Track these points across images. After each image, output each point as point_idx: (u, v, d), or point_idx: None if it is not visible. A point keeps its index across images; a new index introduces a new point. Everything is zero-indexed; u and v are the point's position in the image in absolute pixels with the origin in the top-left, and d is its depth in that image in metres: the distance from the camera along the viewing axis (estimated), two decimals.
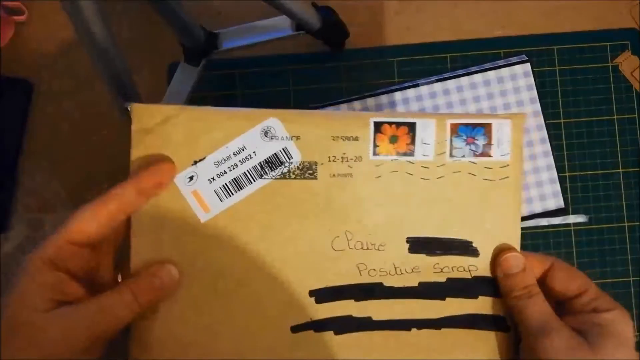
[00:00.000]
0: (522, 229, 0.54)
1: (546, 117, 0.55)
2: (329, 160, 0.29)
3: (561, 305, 0.30)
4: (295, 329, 0.29)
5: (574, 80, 0.56)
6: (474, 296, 0.30)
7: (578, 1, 0.57)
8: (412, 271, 0.30)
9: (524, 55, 0.56)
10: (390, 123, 0.29)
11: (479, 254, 0.30)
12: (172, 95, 0.53)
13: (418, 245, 0.30)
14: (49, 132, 0.57)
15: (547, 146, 0.55)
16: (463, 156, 0.29)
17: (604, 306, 0.29)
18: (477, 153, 0.29)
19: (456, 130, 0.29)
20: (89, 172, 0.56)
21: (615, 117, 0.56)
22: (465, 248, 0.30)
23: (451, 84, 0.55)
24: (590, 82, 0.56)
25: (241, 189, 0.29)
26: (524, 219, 0.55)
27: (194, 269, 0.29)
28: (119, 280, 0.30)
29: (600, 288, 0.30)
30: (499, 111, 0.55)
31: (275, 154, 0.29)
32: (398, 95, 0.55)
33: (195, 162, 0.29)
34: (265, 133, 0.29)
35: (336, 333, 0.30)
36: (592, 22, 0.57)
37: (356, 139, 0.29)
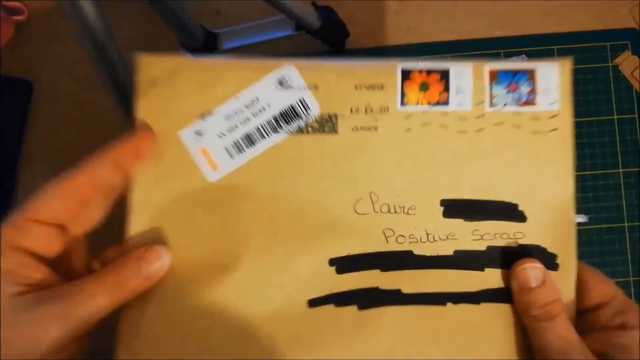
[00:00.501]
0: None
1: None
2: (351, 112, 0.26)
3: (583, 318, 0.26)
4: (313, 302, 0.26)
5: (573, 80, 0.56)
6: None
7: (578, 1, 0.57)
8: (447, 238, 0.26)
9: (524, 56, 0.56)
10: (420, 70, 0.26)
11: (526, 219, 0.26)
12: None
13: (454, 208, 0.26)
14: (49, 132, 0.57)
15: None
16: (505, 105, 0.26)
17: (633, 321, 0.24)
18: (521, 102, 0.26)
19: (496, 76, 0.26)
20: None
21: (615, 117, 0.56)
22: (510, 212, 0.26)
23: None
24: (590, 83, 0.56)
25: (254, 144, 0.26)
26: None
27: (200, 233, 0.26)
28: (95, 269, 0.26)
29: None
30: None
31: (291, 105, 0.26)
32: None
33: (204, 116, 0.26)
34: (280, 82, 0.26)
35: (360, 308, 0.26)
36: (592, 22, 0.57)
37: (381, 87, 0.26)
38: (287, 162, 0.26)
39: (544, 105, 0.26)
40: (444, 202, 0.26)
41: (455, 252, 0.26)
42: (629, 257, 0.55)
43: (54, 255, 0.24)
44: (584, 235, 0.55)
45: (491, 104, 0.26)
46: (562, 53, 0.56)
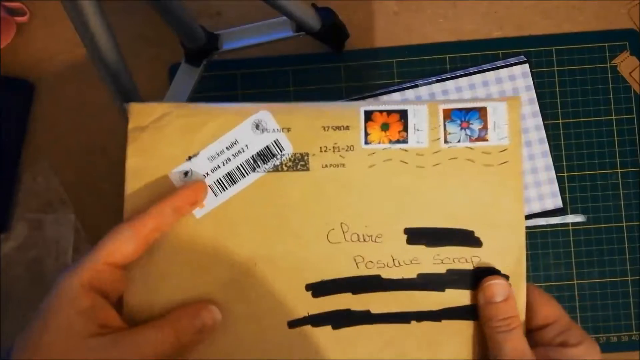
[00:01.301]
0: None
1: (545, 118, 0.56)
2: (321, 151, 0.29)
3: (530, 334, 0.29)
4: (292, 324, 0.29)
5: (572, 80, 0.56)
6: (475, 287, 0.29)
7: (577, 2, 0.57)
8: (411, 262, 0.29)
9: (522, 56, 0.56)
10: (381, 111, 0.29)
11: (482, 244, 0.29)
12: (172, 96, 0.53)
13: (417, 236, 0.29)
14: (50, 132, 0.57)
15: (546, 146, 0.55)
16: (459, 141, 0.29)
17: (573, 340, 0.28)
18: (473, 138, 0.29)
19: (449, 115, 0.29)
20: (89, 172, 0.56)
21: (613, 117, 0.56)
22: (467, 238, 0.29)
23: (450, 84, 0.55)
24: (589, 83, 0.56)
25: (235, 183, 0.29)
26: None
27: (186, 262, 0.29)
28: None
29: (571, 320, 0.29)
30: None
31: (267, 146, 0.29)
32: (397, 96, 0.55)
33: (190, 158, 0.29)
34: (257, 126, 0.29)
35: (334, 327, 0.29)
36: (591, 23, 0.57)
37: (347, 128, 0.29)
38: (264, 198, 0.29)
39: (494, 140, 0.29)
40: (407, 231, 0.29)
41: (419, 275, 0.29)
42: (628, 256, 0.55)
43: (118, 294, 0.27)
44: (582, 235, 0.55)
45: (446, 141, 0.29)
46: (560, 54, 0.56)
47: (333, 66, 0.56)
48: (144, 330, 0.26)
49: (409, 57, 0.57)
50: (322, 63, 0.57)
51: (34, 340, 0.25)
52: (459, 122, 0.29)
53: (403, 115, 0.29)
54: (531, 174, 0.55)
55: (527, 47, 0.57)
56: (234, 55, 0.54)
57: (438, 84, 0.55)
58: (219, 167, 0.29)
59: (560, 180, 0.55)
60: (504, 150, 0.29)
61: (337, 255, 0.29)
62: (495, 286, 0.28)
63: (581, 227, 0.55)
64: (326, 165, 0.29)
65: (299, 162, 0.29)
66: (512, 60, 0.56)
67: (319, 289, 0.29)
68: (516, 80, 0.56)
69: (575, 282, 0.55)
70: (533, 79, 0.56)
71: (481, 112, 0.29)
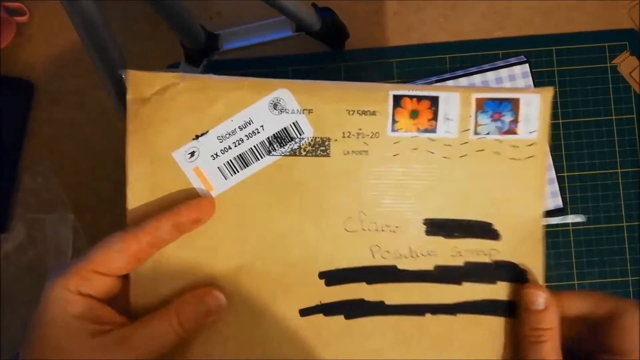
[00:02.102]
0: None
1: None
2: (343, 136, 0.27)
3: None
4: (304, 312, 0.28)
5: (572, 80, 0.56)
6: (492, 281, 0.28)
7: (577, 2, 0.57)
8: (429, 254, 0.28)
9: (522, 56, 0.56)
10: (411, 96, 0.27)
11: (500, 237, 0.28)
12: None
13: (435, 227, 0.28)
14: (49, 132, 0.57)
15: (546, 146, 0.55)
16: (488, 133, 0.27)
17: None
18: (503, 130, 0.27)
19: (482, 105, 0.27)
20: (89, 172, 0.56)
21: (613, 117, 0.56)
22: (485, 230, 0.28)
23: (450, 84, 0.55)
24: (589, 83, 0.56)
25: (247, 166, 0.27)
26: None
27: (194, 251, 0.27)
28: None
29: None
30: None
31: (285, 128, 0.27)
32: None
33: (197, 137, 0.26)
34: (275, 105, 0.27)
35: (347, 317, 0.28)
36: (591, 23, 0.57)
37: (373, 113, 0.27)
38: (279, 183, 0.27)
39: (523, 133, 0.28)
40: (427, 221, 0.28)
41: (436, 267, 0.28)
42: (628, 256, 0.55)
43: (114, 298, 0.26)
44: (582, 235, 0.55)
45: (475, 132, 0.28)
46: (560, 54, 0.56)
47: (333, 66, 0.56)
48: (147, 323, 0.25)
49: (409, 57, 0.57)
50: (322, 63, 0.57)
51: (38, 352, 0.24)
52: (490, 113, 0.27)
53: (434, 102, 0.27)
54: None
55: (527, 47, 0.57)
56: (234, 55, 0.54)
57: (438, 84, 0.55)
58: (230, 148, 0.27)
59: (560, 180, 0.55)
60: (531, 145, 0.28)
61: (352, 243, 0.28)
62: (532, 295, 0.27)
63: (581, 227, 0.55)
64: (348, 152, 0.27)
65: (319, 147, 0.27)
66: (512, 60, 0.56)
67: (332, 277, 0.28)
68: (516, 80, 0.56)
69: (575, 282, 0.55)
70: (533, 79, 0.56)
71: (514, 104, 0.27)
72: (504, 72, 0.56)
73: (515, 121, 0.27)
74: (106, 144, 0.57)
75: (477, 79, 0.56)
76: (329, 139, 0.27)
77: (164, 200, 0.27)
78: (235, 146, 0.27)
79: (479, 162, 0.28)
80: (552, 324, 0.27)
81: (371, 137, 0.27)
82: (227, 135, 0.27)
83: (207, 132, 0.27)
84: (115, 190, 0.56)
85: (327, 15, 0.52)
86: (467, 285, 0.28)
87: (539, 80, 0.56)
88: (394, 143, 0.27)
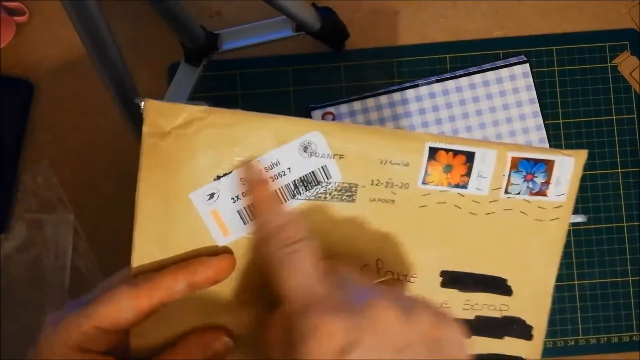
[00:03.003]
0: None
1: (545, 118, 0.55)
2: (372, 184, 0.26)
3: None
4: None
5: (573, 80, 0.56)
6: (500, 337, 0.28)
7: (577, 1, 0.57)
8: (442, 306, 0.28)
9: (523, 56, 0.56)
10: (447, 150, 0.26)
11: (512, 293, 0.28)
12: (172, 95, 0.53)
13: (452, 280, 0.28)
14: (49, 132, 0.57)
15: (546, 146, 0.55)
16: (519, 193, 0.27)
17: None
18: (533, 192, 0.27)
19: (516, 165, 0.26)
20: (89, 172, 0.56)
21: (614, 117, 0.56)
22: (500, 286, 0.28)
23: (450, 84, 0.55)
24: (589, 83, 0.56)
25: None
26: None
27: (200, 291, 0.25)
28: None
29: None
30: (498, 111, 0.55)
31: (313, 172, 0.25)
32: (397, 96, 0.55)
33: (219, 177, 0.24)
34: (305, 148, 0.25)
35: None
36: (591, 23, 0.57)
37: (406, 164, 0.26)
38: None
39: (552, 196, 0.27)
40: (444, 274, 0.27)
41: None
42: (628, 257, 0.55)
43: (116, 347, 0.24)
44: (582, 235, 0.55)
45: (506, 191, 0.27)
46: (561, 53, 0.56)
47: (333, 66, 0.56)
48: None
49: (409, 57, 0.57)
50: (322, 63, 0.56)
51: None
52: (524, 173, 0.27)
53: (469, 158, 0.26)
54: None
55: (528, 46, 0.56)
56: (234, 55, 0.54)
57: (438, 83, 0.55)
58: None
59: None
60: (558, 207, 0.27)
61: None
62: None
63: (581, 227, 0.55)
64: (374, 199, 0.26)
65: (346, 193, 0.26)
66: (513, 60, 0.56)
67: None
68: (517, 80, 0.56)
69: (575, 282, 0.55)
70: (533, 79, 0.56)
71: (548, 165, 0.27)
72: (504, 72, 0.56)
73: (546, 183, 0.27)
74: (106, 144, 0.56)
75: (477, 78, 0.55)
76: (356, 185, 0.26)
77: (176, 248, 0.25)
78: None
79: (505, 220, 0.27)
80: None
81: (400, 188, 0.26)
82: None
83: (230, 172, 0.24)
84: (115, 190, 0.56)
85: (327, 14, 0.51)
86: (476, 339, 0.28)
87: (540, 80, 0.56)
88: (423, 195, 0.26)
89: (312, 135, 0.25)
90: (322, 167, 0.25)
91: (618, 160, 0.56)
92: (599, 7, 0.57)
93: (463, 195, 0.27)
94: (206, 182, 0.24)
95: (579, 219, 0.55)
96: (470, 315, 0.28)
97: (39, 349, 0.23)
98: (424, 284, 0.27)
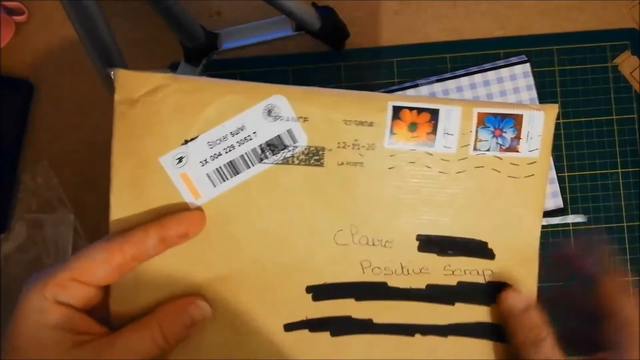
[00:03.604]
0: None
1: None
2: (338, 147, 0.26)
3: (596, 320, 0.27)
4: (289, 327, 0.27)
5: (573, 80, 0.56)
6: (486, 303, 0.27)
7: (577, 1, 0.57)
8: (421, 272, 0.27)
9: (523, 56, 0.56)
10: (410, 108, 0.26)
11: (494, 257, 0.27)
12: None
13: (429, 243, 0.27)
14: (49, 132, 0.57)
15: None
16: (488, 150, 0.26)
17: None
18: (503, 147, 0.26)
19: (483, 120, 0.26)
20: (89, 172, 0.56)
21: (614, 117, 0.56)
22: (480, 249, 0.27)
23: (451, 84, 0.55)
24: (590, 83, 0.56)
25: (237, 173, 0.26)
26: None
27: (177, 259, 0.26)
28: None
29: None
30: None
31: (278, 135, 0.26)
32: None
33: (186, 142, 0.25)
34: (269, 112, 0.25)
35: (333, 334, 0.27)
36: (592, 23, 0.57)
37: (371, 124, 0.26)
38: (270, 192, 0.26)
39: (524, 152, 0.27)
40: (420, 237, 0.27)
41: (428, 285, 0.27)
42: (628, 256, 0.55)
43: (93, 308, 0.25)
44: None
45: (475, 148, 0.26)
46: (561, 53, 0.56)
47: (333, 65, 0.56)
48: (128, 333, 0.24)
49: (409, 57, 0.57)
50: (322, 62, 0.56)
51: None
52: (492, 129, 0.26)
53: (434, 115, 0.26)
54: None
55: (528, 46, 0.56)
56: (234, 54, 0.54)
57: (439, 83, 0.55)
58: (220, 154, 0.25)
59: (560, 180, 0.55)
60: (532, 163, 0.27)
61: (342, 258, 0.27)
62: (512, 296, 0.27)
63: (582, 227, 0.55)
64: (342, 163, 0.26)
65: (313, 157, 0.26)
66: (513, 59, 0.56)
67: (320, 292, 0.27)
68: (517, 79, 0.55)
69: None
70: (534, 79, 0.56)
71: (516, 120, 0.26)
72: (504, 72, 0.56)
73: (517, 138, 0.26)
74: (106, 144, 0.56)
75: (477, 78, 0.55)
76: (323, 149, 0.26)
77: (149, 208, 0.26)
78: (226, 152, 0.26)
79: (477, 179, 0.27)
80: (540, 321, 0.26)
81: (367, 149, 0.26)
82: (218, 141, 0.26)
83: (196, 137, 0.25)
84: None
85: (327, 14, 0.51)
86: (459, 306, 0.27)
87: (540, 80, 0.56)
88: (390, 155, 0.26)
89: (276, 99, 0.25)
90: (287, 130, 0.26)
91: (618, 160, 0.56)
92: (599, 7, 0.57)
93: (431, 154, 0.26)
94: (174, 146, 0.25)
95: (579, 218, 0.55)
96: (452, 281, 0.27)
97: (17, 305, 0.23)
98: (401, 249, 0.27)
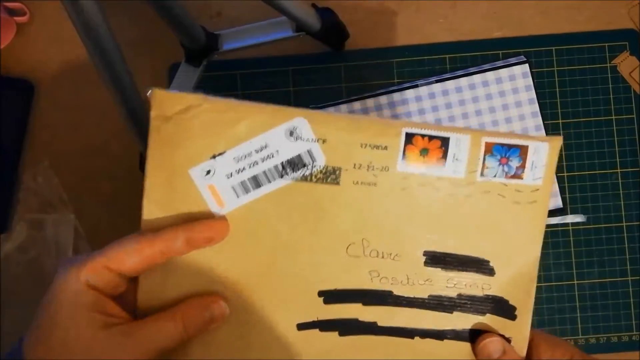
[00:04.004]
0: None
1: (545, 118, 0.56)
2: (354, 167, 0.28)
3: None
4: (301, 326, 0.29)
5: (572, 80, 0.56)
6: (482, 313, 0.30)
7: (577, 2, 0.57)
8: (425, 283, 0.30)
9: (522, 56, 0.56)
10: (422, 135, 0.28)
11: (494, 274, 0.30)
12: None
13: (435, 259, 0.29)
14: (49, 132, 0.57)
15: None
16: (495, 176, 0.29)
17: None
18: (509, 175, 0.29)
19: (490, 149, 0.28)
20: (89, 172, 0.56)
21: (613, 117, 0.56)
22: (482, 266, 0.29)
23: (450, 84, 0.55)
24: (589, 83, 0.56)
25: (260, 186, 0.28)
26: None
27: (202, 259, 0.29)
28: None
29: (581, 350, 0.30)
30: (497, 112, 0.55)
31: (299, 155, 0.28)
32: (397, 96, 0.55)
33: (214, 156, 0.28)
34: (291, 133, 0.28)
35: (340, 334, 0.30)
36: (591, 23, 0.57)
37: (385, 148, 0.28)
38: (289, 205, 0.29)
39: (529, 180, 0.29)
40: (427, 253, 0.29)
41: (430, 296, 0.30)
42: (628, 256, 0.55)
43: (119, 297, 0.28)
44: (582, 235, 0.55)
45: (482, 174, 0.29)
46: (560, 54, 0.56)
47: (333, 66, 0.57)
48: (154, 322, 0.27)
49: (408, 57, 0.57)
50: (322, 63, 0.57)
51: (44, 338, 0.25)
52: (498, 157, 0.28)
53: (444, 142, 0.28)
54: None
55: (527, 47, 0.57)
56: (234, 55, 0.54)
57: (438, 84, 0.55)
58: (244, 168, 0.28)
59: (560, 180, 0.55)
60: (535, 190, 0.29)
61: (353, 267, 0.29)
62: (491, 344, 0.29)
63: (581, 227, 0.55)
64: (357, 182, 0.28)
65: (330, 175, 0.28)
66: (512, 60, 0.56)
67: (331, 296, 0.29)
68: (516, 80, 0.56)
69: (575, 282, 0.55)
70: (533, 79, 0.56)
71: (522, 150, 0.28)
72: (504, 72, 0.56)
73: (522, 167, 0.29)
74: (106, 144, 0.57)
75: (477, 79, 0.56)
76: (340, 169, 0.28)
77: (177, 213, 0.28)
78: (250, 167, 0.28)
79: (483, 202, 0.29)
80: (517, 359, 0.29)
81: (381, 170, 0.28)
82: (243, 157, 0.28)
83: (224, 152, 0.28)
84: (115, 190, 0.56)
85: (327, 15, 0.52)
86: (457, 315, 0.30)
87: (539, 80, 0.56)
88: (403, 178, 0.29)
89: (297, 121, 0.28)
90: (307, 150, 0.28)
91: (618, 160, 0.56)
92: (598, 7, 0.57)
93: (441, 178, 0.29)
94: (203, 160, 0.28)
95: (579, 218, 0.55)
96: (453, 293, 0.30)
97: (53, 285, 0.26)
98: (408, 262, 0.29)
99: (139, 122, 0.43)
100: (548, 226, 0.56)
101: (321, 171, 0.28)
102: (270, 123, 0.28)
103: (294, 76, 0.57)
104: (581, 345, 0.55)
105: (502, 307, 0.30)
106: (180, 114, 0.27)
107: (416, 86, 0.56)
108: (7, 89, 0.56)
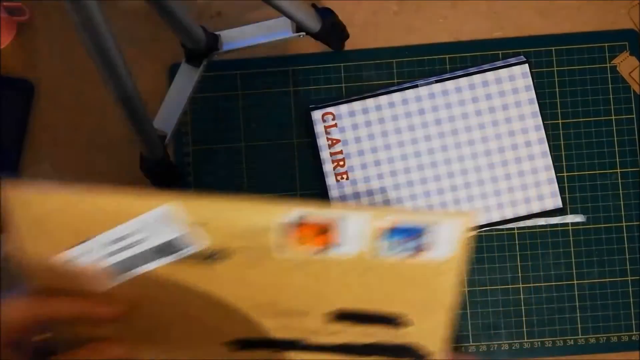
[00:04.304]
0: (520, 228, 0.55)
1: (544, 118, 0.56)
2: (240, 248, 0.27)
3: None
4: None
5: (572, 81, 0.56)
6: (402, 356, 0.30)
7: (576, 2, 0.57)
8: (337, 333, 0.29)
9: (522, 56, 0.56)
10: (314, 215, 0.26)
11: (411, 324, 0.29)
12: (172, 95, 0.53)
13: (343, 316, 0.29)
14: (49, 133, 0.57)
15: (545, 146, 0.55)
16: (400, 251, 0.27)
17: None
18: (416, 250, 0.27)
19: (394, 227, 0.26)
20: (89, 171, 0.56)
21: (613, 117, 0.56)
22: (395, 321, 0.29)
23: (450, 84, 0.56)
24: (589, 83, 0.56)
25: (137, 267, 0.28)
26: (522, 218, 0.55)
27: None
28: None
29: None
30: (497, 112, 0.55)
31: (173, 238, 0.27)
32: (397, 96, 0.55)
33: (87, 240, 0.27)
34: (165, 218, 0.26)
35: None
36: (591, 23, 0.57)
37: (273, 229, 0.26)
38: (169, 285, 0.28)
39: (438, 254, 0.27)
40: (335, 311, 0.29)
41: (344, 343, 0.29)
42: (627, 256, 0.55)
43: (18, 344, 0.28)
44: (581, 235, 0.55)
45: (385, 250, 0.27)
46: (560, 54, 0.57)
47: (333, 66, 0.57)
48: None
49: (408, 57, 0.57)
50: (322, 63, 0.57)
51: None
52: (402, 236, 0.26)
53: (341, 222, 0.26)
54: (531, 174, 0.55)
55: (527, 47, 0.57)
56: (234, 55, 0.54)
57: (438, 84, 0.55)
58: (119, 251, 0.27)
59: (560, 180, 0.55)
60: (444, 262, 0.27)
61: (261, 320, 0.29)
62: None
63: (581, 227, 0.55)
64: (241, 263, 0.27)
65: (212, 256, 0.27)
66: (512, 60, 0.56)
67: (238, 344, 0.29)
68: (516, 80, 0.56)
69: (575, 282, 0.55)
70: (533, 79, 0.56)
71: (430, 227, 0.26)
72: (503, 73, 0.56)
73: (429, 243, 0.27)
74: (106, 144, 0.57)
75: (476, 79, 0.56)
76: (225, 249, 0.27)
77: (63, 287, 0.28)
78: (125, 250, 0.27)
79: (389, 274, 0.27)
80: None
81: (271, 250, 0.27)
82: (117, 240, 0.27)
83: (98, 235, 0.27)
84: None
85: (327, 15, 0.52)
86: (376, 358, 0.30)
87: (539, 80, 0.56)
88: (295, 257, 0.27)
89: (171, 206, 0.26)
90: (182, 234, 0.27)
91: (617, 160, 0.56)
92: (598, 7, 0.57)
93: (337, 256, 0.27)
94: (77, 243, 0.27)
95: (578, 218, 0.55)
96: (368, 340, 0.29)
97: None
98: (316, 318, 0.29)
99: (139, 122, 0.43)
100: (548, 226, 0.56)
101: (200, 253, 0.27)
102: (142, 208, 0.26)
103: (294, 76, 0.57)
104: (581, 344, 0.55)
105: (419, 352, 0.29)
106: (43, 211, 0.27)
107: (416, 86, 0.56)
108: (7, 89, 0.56)
